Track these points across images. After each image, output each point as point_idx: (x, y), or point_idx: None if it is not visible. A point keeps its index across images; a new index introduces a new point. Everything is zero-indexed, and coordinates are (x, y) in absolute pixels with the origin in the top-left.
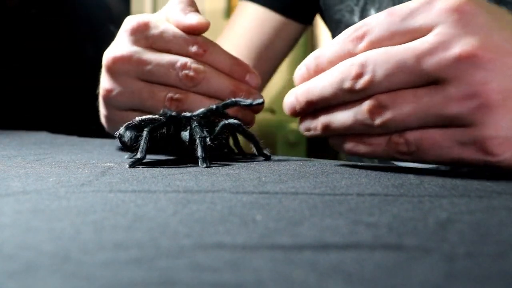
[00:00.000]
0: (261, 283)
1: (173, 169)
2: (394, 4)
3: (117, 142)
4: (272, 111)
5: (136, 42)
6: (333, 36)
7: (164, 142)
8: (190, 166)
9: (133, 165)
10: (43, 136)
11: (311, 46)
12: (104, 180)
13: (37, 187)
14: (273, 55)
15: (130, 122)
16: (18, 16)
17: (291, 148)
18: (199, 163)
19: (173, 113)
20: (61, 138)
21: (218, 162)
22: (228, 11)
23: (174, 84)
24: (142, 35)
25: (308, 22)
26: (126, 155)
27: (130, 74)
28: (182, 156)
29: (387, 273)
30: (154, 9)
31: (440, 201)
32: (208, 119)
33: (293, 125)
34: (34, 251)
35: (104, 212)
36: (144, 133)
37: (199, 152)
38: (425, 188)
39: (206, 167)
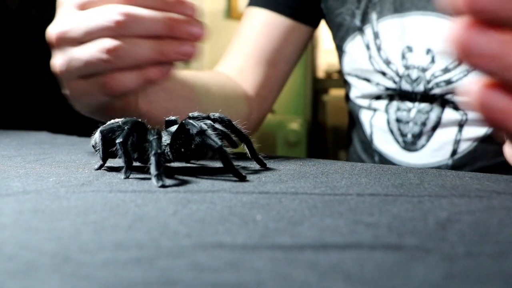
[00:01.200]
0: (261, 283)
1: (173, 169)
2: (395, 8)
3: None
4: (272, 111)
5: (68, 10)
6: (335, 38)
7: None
8: (190, 166)
9: (125, 174)
10: (43, 136)
11: (312, 46)
12: (104, 180)
13: (37, 187)
14: (285, 59)
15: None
16: (18, 16)
17: (291, 148)
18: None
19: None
20: (61, 138)
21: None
22: (228, 11)
23: (108, 34)
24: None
25: (315, 25)
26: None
27: (73, 43)
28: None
29: (387, 273)
30: None
31: (440, 201)
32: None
33: (293, 125)
34: (34, 251)
35: (104, 212)
36: (117, 145)
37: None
38: (425, 188)
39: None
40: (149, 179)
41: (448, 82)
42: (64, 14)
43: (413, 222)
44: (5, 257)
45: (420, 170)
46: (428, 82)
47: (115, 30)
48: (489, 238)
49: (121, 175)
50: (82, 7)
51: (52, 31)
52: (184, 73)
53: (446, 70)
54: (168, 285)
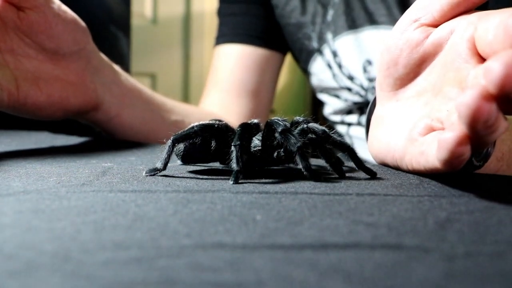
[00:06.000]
0: (261, 283)
1: (173, 169)
2: (349, 25)
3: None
4: (272, 111)
5: None
6: (299, 62)
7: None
8: (189, 166)
9: (149, 173)
10: (43, 136)
11: None
12: (105, 180)
13: (37, 187)
14: (265, 87)
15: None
16: None
17: None
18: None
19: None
20: (61, 138)
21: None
22: None
23: None
24: None
25: (285, 51)
26: (129, 157)
27: None
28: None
29: (387, 273)
30: (155, 9)
31: (440, 201)
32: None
33: None
34: (35, 250)
35: (105, 212)
36: (168, 143)
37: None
38: (424, 188)
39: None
40: (149, 179)
41: None
42: None
43: (412, 222)
44: (5, 256)
45: None
46: None
47: None
48: (489, 238)
49: (230, 181)
50: None
51: None
52: (164, 98)
53: None
54: (168, 285)
